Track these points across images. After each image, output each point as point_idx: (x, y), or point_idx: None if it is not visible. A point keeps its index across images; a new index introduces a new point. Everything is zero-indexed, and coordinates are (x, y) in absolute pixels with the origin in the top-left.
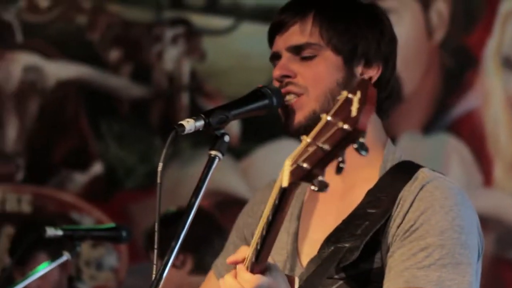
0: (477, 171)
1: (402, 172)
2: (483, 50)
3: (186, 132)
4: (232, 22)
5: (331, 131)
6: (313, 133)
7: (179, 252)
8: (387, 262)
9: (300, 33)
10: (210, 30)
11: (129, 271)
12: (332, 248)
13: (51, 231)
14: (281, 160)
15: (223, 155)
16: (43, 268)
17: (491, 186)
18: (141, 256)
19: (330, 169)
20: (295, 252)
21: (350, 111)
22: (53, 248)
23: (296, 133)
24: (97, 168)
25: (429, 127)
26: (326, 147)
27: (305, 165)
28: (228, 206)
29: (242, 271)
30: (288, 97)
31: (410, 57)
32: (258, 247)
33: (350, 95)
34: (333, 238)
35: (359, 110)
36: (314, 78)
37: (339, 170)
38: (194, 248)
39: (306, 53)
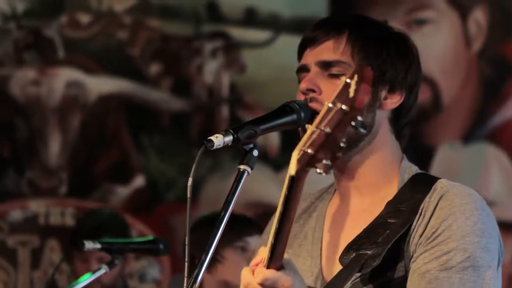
0: None
1: (421, 183)
2: None
3: (215, 147)
4: (270, 34)
5: (331, 114)
6: (317, 120)
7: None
8: (410, 266)
9: (332, 49)
10: (248, 42)
11: (172, 282)
12: (354, 255)
13: (90, 245)
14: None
15: (252, 169)
16: (85, 279)
17: None
18: (183, 268)
19: (350, 191)
20: (320, 275)
21: (348, 93)
22: (116, 231)
23: None
24: (138, 181)
25: (468, 137)
26: (327, 129)
27: (309, 150)
28: (268, 218)
29: (260, 266)
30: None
31: (448, 67)
32: (272, 242)
33: (348, 80)
34: (354, 246)
35: (356, 90)
36: None
37: (339, 149)
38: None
39: (335, 70)
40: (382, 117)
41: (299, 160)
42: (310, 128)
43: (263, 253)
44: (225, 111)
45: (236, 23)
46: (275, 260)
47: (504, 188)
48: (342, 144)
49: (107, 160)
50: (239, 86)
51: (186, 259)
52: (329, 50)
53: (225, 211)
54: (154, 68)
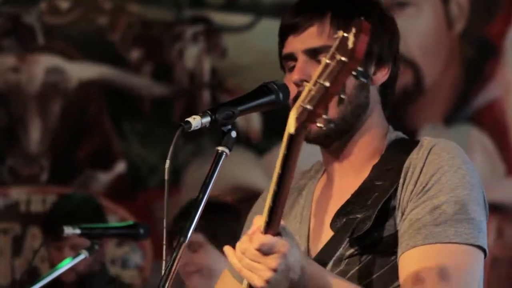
0: (500, 161)
1: (405, 144)
2: (504, 40)
3: (192, 128)
4: (252, 18)
5: (330, 67)
6: (314, 76)
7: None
8: (402, 224)
9: (317, 35)
10: (229, 27)
11: (154, 268)
12: (344, 220)
13: (69, 230)
14: (303, 155)
15: (230, 150)
16: (65, 264)
17: None
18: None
19: (338, 171)
20: (306, 253)
21: (347, 45)
22: (90, 215)
23: (315, 141)
24: (120, 167)
25: (451, 119)
26: (326, 83)
27: (308, 106)
28: (251, 202)
29: (257, 232)
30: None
31: (430, 49)
32: (271, 206)
33: (345, 34)
34: (344, 211)
35: (355, 41)
36: None
37: (340, 101)
38: (212, 233)
39: (323, 56)
40: (373, 93)
41: (298, 118)
42: (308, 85)
43: (260, 221)
44: (206, 96)
45: (217, 8)
46: (273, 226)
47: (487, 170)
48: (342, 96)
49: (88, 147)
50: (221, 71)
51: (164, 243)
52: (314, 36)
53: (203, 193)
54: (135, 54)
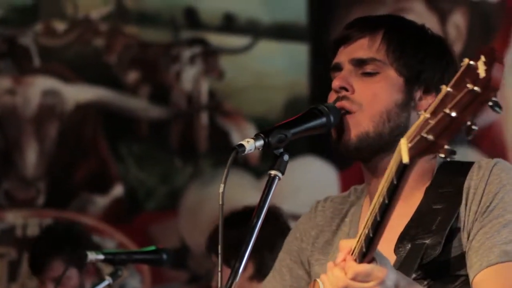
0: None
1: (457, 166)
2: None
3: (246, 152)
4: (249, 40)
5: (458, 97)
6: (432, 106)
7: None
8: (470, 245)
9: (367, 47)
10: (227, 49)
11: None
12: (409, 245)
13: (92, 256)
14: (302, 178)
15: (282, 174)
16: None
17: None
18: (164, 278)
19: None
20: None
21: (477, 74)
22: (68, 254)
23: (347, 154)
24: (117, 190)
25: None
26: (453, 113)
27: (430, 136)
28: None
29: (350, 261)
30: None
31: None
32: (371, 235)
33: (472, 62)
34: (407, 236)
35: (488, 70)
36: (372, 96)
37: (469, 132)
38: (256, 252)
39: (369, 68)
40: (416, 118)
41: (413, 147)
42: (423, 114)
43: (348, 246)
44: (204, 118)
45: (215, 29)
46: (370, 252)
47: None
48: (474, 127)
49: (85, 170)
50: (218, 93)
51: (220, 269)
52: (363, 47)
53: (257, 218)
54: (132, 76)
